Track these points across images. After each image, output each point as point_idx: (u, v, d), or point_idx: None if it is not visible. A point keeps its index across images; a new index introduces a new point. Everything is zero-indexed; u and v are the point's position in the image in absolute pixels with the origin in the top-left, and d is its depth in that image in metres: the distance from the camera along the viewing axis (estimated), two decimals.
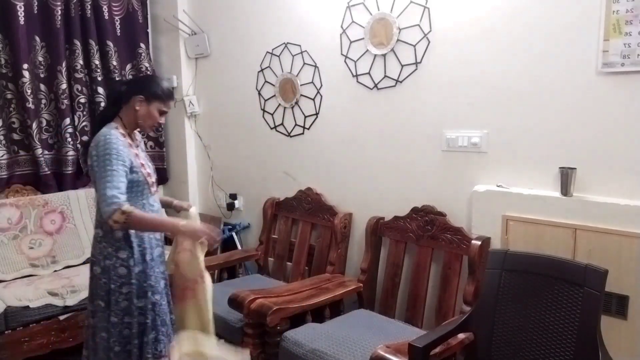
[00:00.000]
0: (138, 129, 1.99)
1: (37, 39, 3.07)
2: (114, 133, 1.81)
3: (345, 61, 2.68)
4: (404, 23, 2.42)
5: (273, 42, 3.02)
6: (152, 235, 1.94)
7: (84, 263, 3.04)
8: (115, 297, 1.85)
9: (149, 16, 3.60)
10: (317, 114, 2.87)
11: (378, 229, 2.54)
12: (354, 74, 2.65)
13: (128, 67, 3.48)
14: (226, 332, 2.31)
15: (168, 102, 1.97)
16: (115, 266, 1.84)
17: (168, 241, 2.14)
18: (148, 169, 1.93)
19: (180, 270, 1.86)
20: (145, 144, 3.61)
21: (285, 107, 3.03)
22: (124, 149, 1.80)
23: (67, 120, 3.17)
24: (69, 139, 3.18)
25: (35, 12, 3.04)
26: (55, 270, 2.91)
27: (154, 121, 1.94)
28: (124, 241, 1.84)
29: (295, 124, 2.99)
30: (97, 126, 1.88)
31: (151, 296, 1.88)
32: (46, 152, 3.16)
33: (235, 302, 2.23)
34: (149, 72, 3.33)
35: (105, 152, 1.75)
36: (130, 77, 1.85)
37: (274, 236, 3.05)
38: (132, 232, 1.85)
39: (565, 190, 1.97)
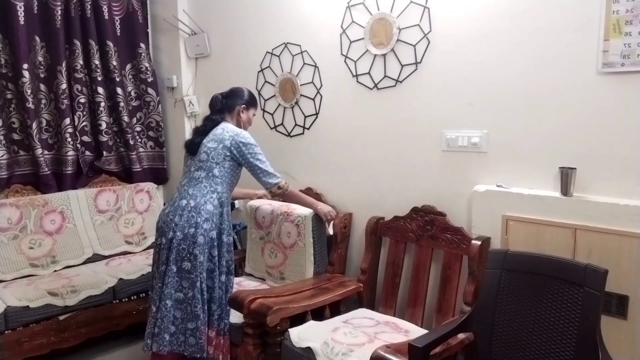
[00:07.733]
0: None
1: (37, 39, 3.07)
2: None
3: (345, 61, 2.68)
4: (404, 23, 2.42)
5: (273, 42, 3.02)
6: (228, 222, 2.34)
7: (83, 263, 3.04)
8: (191, 264, 2.17)
9: (149, 16, 3.60)
10: (317, 114, 2.87)
11: (378, 229, 2.54)
12: (354, 74, 2.65)
13: (128, 67, 3.49)
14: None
15: (257, 106, 2.64)
16: (197, 234, 2.19)
17: None
18: None
19: None
20: (145, 144, 3.62)
21: (285, 107, 3.03)
22: None
23: (67, 120, 3.17)
24: (69, 139, 3.18)
25: (35, 12, 3.04)
26: (55, 270, 2.91)
27: (251, 123, 2.56)
28: (212, 215, 2.24)
29: (295, 124, 2.99)
30: (208, 128, 2.39)
31: (219, 276, 2.26)
32: (46, 152, 3.16)
33: (235, 302, 2.23)
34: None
35: (253, 143, 2.35)
36: (226, 90, 2.54)
37: None
38: (223, 210, 2.31)
39: (565, 190, 1.97)
